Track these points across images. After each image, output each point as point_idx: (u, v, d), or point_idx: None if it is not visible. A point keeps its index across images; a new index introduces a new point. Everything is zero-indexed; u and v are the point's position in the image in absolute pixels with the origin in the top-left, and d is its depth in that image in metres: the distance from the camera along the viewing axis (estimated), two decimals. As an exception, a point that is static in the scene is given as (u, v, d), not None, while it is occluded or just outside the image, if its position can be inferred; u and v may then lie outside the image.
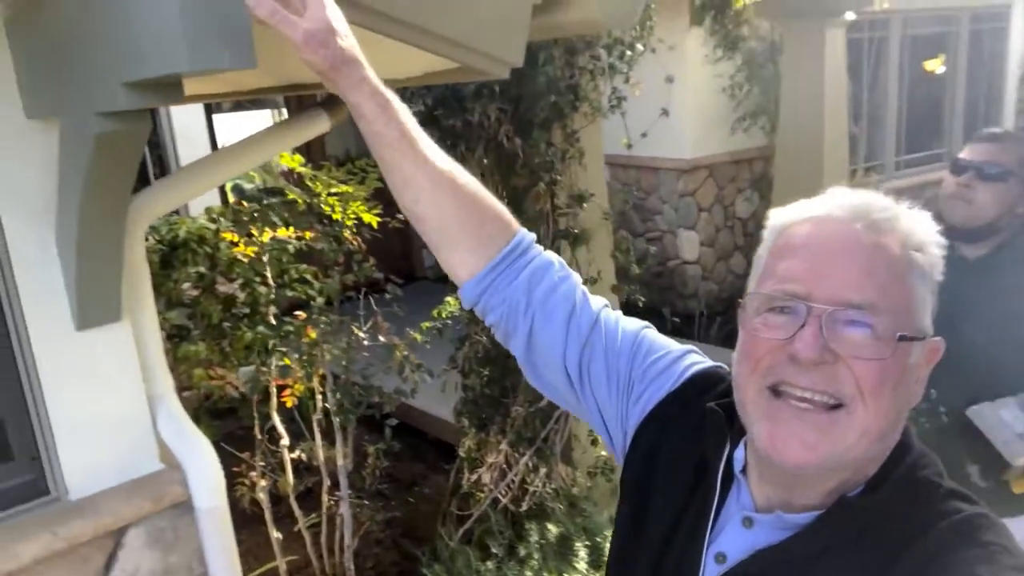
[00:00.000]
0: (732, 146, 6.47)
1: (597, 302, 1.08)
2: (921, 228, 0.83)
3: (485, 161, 3.09)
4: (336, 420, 3.05)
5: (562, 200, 3.08)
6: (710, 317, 6.23)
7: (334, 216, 3.48)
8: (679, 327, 5.18)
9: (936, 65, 7.63)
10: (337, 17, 0.98)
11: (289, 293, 3.97)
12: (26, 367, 1.87)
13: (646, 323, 1.10)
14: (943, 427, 1.90)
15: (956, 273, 2.04)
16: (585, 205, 3.05)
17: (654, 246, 6.79)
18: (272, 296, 3.43)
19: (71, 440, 1.93)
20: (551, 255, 1.11)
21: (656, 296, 6.13)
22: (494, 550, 2.68)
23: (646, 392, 1.01)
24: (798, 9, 5.01)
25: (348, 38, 0.99)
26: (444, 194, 1.03)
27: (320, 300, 4.05)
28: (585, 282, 3.06)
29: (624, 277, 3.21)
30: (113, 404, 1.99)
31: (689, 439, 0.95)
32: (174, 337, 4.02)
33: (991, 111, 8.21)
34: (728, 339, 5.98)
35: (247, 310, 4.04)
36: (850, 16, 5.15)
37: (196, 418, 4.03)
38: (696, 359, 1.04)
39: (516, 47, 1.51)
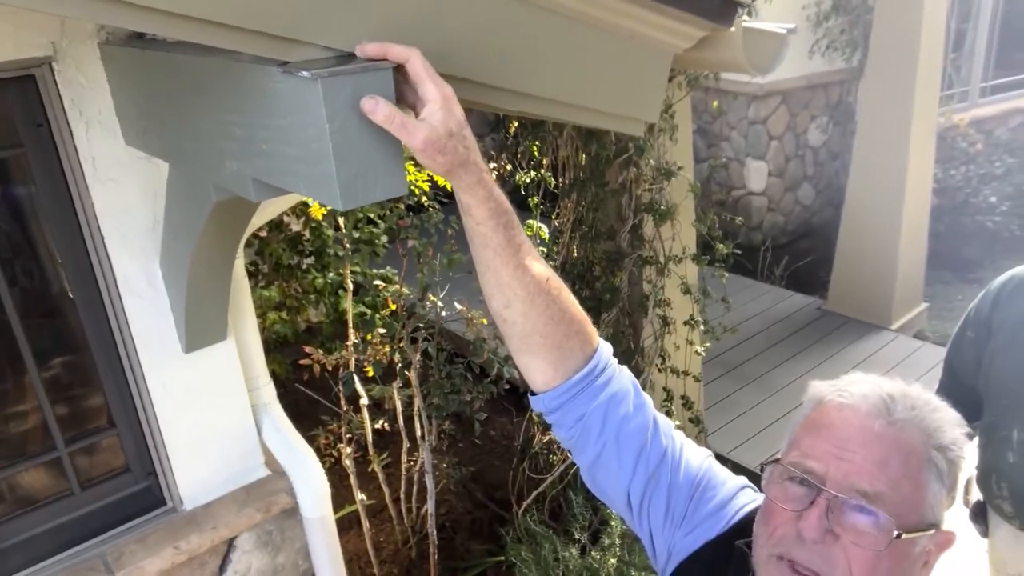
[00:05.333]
0: (808, 70, 6.11)
1: (666, 432, 1.09)
2: (948, 429, 0.87)
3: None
4: (423, 415, 3.08)
5: (647, 173, 2.96)
6: (775, 251, 6.08)
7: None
8: (740, 262, 5.06)
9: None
10: (456, 118, 0.93)
11: (356, 234, 3.99)
12: (138, 388, 1.91)
13: (708, 453, 1.12)
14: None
15: None
16: (673, 179, 2.93)
17: (718, 174, 6.58)
18: (344, 241, 3.40)
19: (184, 454, 1.99)
20: (627, 377, 1.10)
21: (720, 228, 6.01)
22: (577, 536, 2.76)
23: (697, 529, 1.04)
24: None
25: (466, 139, 0.94)
26: (536, 306, 1.01)
27: (384, 239, 4.06)
28: (668, 261, 2.96)
29: (707, 249, 3.12)
30: (221, 417, 2.03)
31: None
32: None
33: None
34: (794, 280, 5.86)
35: (312, 249, 4.09)
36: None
37: (266, 352, 4.16)
38: (749, 498, 1.05)
39: (652, 106, 1.40)
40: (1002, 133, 6.83)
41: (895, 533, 0.81)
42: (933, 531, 0.86)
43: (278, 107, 1.02)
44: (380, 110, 0.91)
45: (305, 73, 0.92)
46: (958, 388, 2.15)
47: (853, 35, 5.90)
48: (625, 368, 1.11)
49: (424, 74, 0.92)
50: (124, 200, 1.74)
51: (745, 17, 1.43)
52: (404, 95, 0.96)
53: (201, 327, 1.87)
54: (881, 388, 0.88)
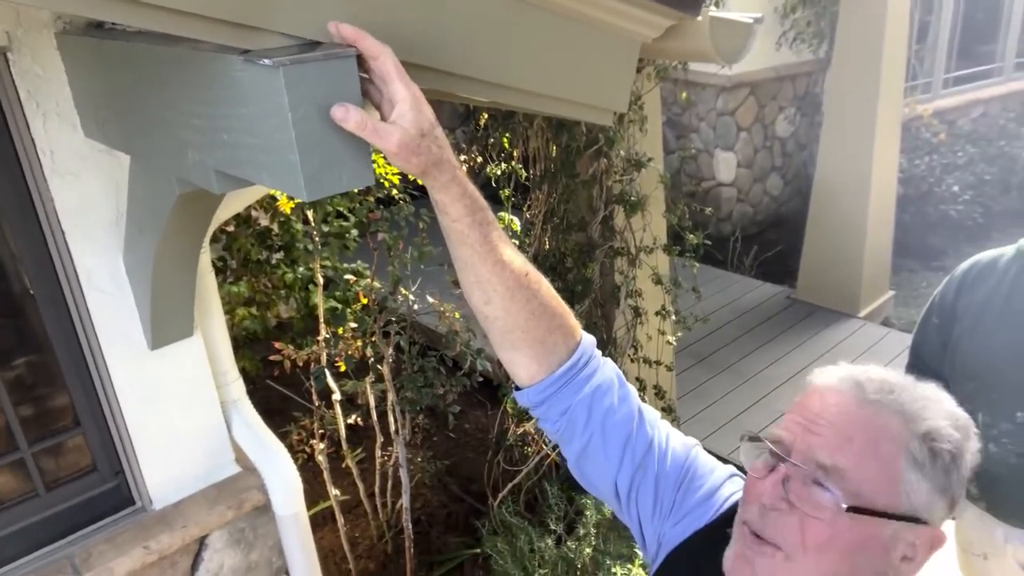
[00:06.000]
0: (776, 61, 6.17)
1: (652, 422, 1.09)
2: (932, 420, 0.84)
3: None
4: (397, 410, 3.06)
5: (618, 165, 2.97)
6: (744, 242, 6.14)
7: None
8: (710, 252, 5.10)
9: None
10: (427, 118, 0.92)
11: (326, 228, 3.95)
12: (103, 386, 1.87)
13: (695, 442, 1.12)
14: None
15: None
16: (643, 170, 2.94)
17: (687, 165, 6.63)
18: (314, 234, 3.38)
19: (152, 452, 1.96)
20: (611, 369, 1.10)
21: (690, 219, 6.04)
22: (552, 526, 2.77)
23: (686, 518, 1.05)
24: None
25: (438, 139, 0.93)
26: (516, 301, 1.01)
27: (355, 232, 4.03)
28: (639, 252, 2.97)
29: (678, 239, 3.14)
30: (189, 414, 2.00)
31: None
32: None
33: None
34: (764, 269, 5.92)
35: (281, 243, 4.04)
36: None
37: (236, 348, 4.11)
38: (737, 486, 1.06)
39: (621, 95, 1.40)
40: (964, 124, 6.96)
41: (843, 506, 0.81)
42: (913, 524, 0.84)
43: (240, 96, 1.00)
44: (352, 117, 0.89)
45: (267, 61, 0.91)
46: (924, 373, 2.18)
47: (820, 27, 5.96)
48: (609, 360, 1.11)
49: (394, 73, 0.91)
50: (85, 194, 1.70)
51: (713, 8, 1.44)
52: (369, 94, 0.95)
53: (167, 323, 1.84)
54: (864, 372, 0.88)
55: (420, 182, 0.99)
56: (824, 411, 0.85)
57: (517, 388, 1.09)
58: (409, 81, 0.91)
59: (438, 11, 1.12)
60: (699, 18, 1.37)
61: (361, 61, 0.94)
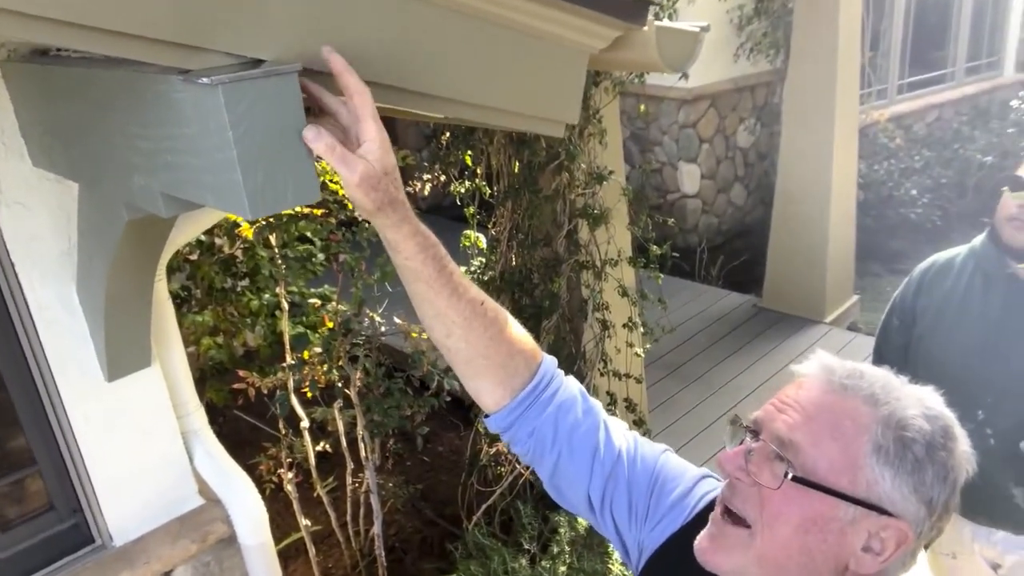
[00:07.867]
0: (735, 73, 6.27)
1: (618, 432, 1.11)
2: (902, 410, 0.84)
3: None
4: (365, 435, 3.02)
5: (579, 178, 2.98)
6: (711, 252, 6.20)
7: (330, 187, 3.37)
8: (677, 264, 5.14)
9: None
10: (391, 160, 0.96)
11: (291, 254, 3.90)
12: (59, 421, 1.83)
13: (665, 447, 1.14)
14: (989, 449, 1.91)
15: (1011, 295, 2.00)
16: (605, 184, 2.96)
17: (653, 179, 6.69)
18: (278, 260, 3.33)
19: (111, 487, 1.91)
20: (574, 385, 1.13)
21: (654, 230, 6.05)
22: (526, 546, 2.74)
23: (662, 522, 1.06)
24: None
25: (396, 180, 0.97)
26: (474, 330, 1.04)
27: (321, 257, 3.99)
28: (604, 264, 2.97)
29: (643, 251, 3.16)
30: (150, 447, 1.96)
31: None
32: (176, 299, 3.95)
33: (996, 28, 7.96)
34: (730, 279, 5.98)
35: (246, 270, 3.98)
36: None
37: (202, 380, 4.03)
38: (711, 486, 1.07)
39: (572, 107, 1.40)
40: (920, 128, 7.12)
41: (788, 474, 0.82)
42: (877, 514, 0.82)
43: (181, 117, 0.98)
44: (322, 138, 0.91)
45: (205, 80, 0.90)
46: None
47: (776, 37, 6.07)
48: (571, 377, 1.14)
49: (368, 113, 0.94)
50: (34, 224, 1.67)
51: (666, 19, 1.45)
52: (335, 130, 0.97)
53: (123, 353, 1.80)
54: (839, 360, 0.90)
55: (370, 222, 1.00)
56: (797, 395, 0.88)
57: (486, 416, 1.11)
58: (380, 124, 0.94)
59: (379, 27, 1.12)
60: (645, 28, 1.38)
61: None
